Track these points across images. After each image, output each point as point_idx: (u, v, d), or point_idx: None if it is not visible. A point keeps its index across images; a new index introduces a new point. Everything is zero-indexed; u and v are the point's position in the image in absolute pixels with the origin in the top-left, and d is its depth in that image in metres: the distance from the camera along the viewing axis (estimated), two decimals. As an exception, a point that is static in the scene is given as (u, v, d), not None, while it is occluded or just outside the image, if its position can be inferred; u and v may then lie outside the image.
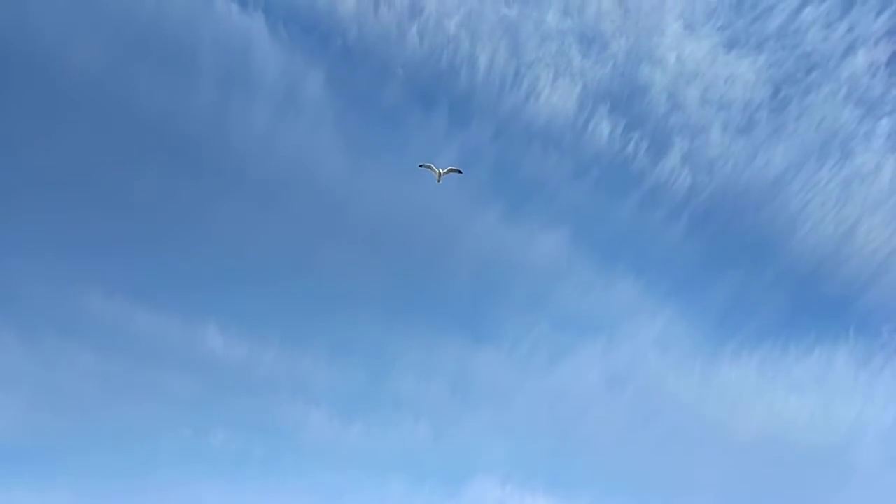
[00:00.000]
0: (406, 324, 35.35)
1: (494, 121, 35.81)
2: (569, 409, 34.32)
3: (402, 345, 35.12)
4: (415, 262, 36.22)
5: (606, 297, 35.93)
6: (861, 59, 33.11)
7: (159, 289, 34.18)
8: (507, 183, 36.40)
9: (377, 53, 34.75)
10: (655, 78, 34.67)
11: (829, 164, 34.00)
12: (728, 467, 32.08)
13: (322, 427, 32.92)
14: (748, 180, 34.74)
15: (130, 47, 33.82)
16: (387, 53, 34.71)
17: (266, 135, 35.07)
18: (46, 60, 32.45)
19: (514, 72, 35.15)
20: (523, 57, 35.00)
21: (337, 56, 35.05)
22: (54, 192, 33.73)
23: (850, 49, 33.11)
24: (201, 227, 35.23)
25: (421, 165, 25.16)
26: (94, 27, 33.20)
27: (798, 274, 34.79)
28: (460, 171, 25.36)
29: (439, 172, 25.23)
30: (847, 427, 32.47)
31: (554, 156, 35.88)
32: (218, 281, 35.06)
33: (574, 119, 35.44)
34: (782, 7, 33.23)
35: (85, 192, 34.25)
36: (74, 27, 32.81)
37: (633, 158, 35.40)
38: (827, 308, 34.61)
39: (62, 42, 32.51)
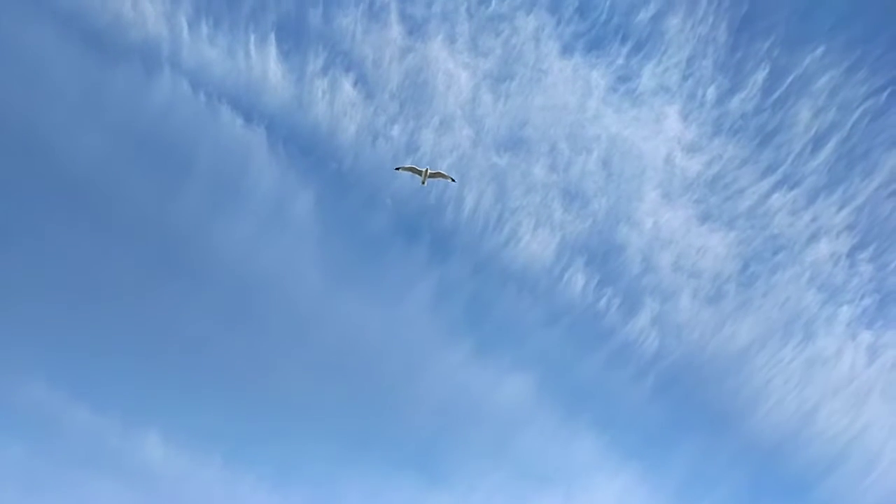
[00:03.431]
0: (359, 457, 33.97)
1: (474, 259, 36.67)
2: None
3: (351, 479, 33.51)
4: (376, 393, 35.44)
5: (568, 450, 35.19)
6: (824, 247, 35.05)
7: (106, 387, 32.85)
8: (479, 321, 36.65)
9: (369, 182, 36.00)
10: (632, 239, 36.18)
11: (792, 344, 34.96)
12: None
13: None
14: (714, 350, 35.41)
15: (129, 142, 34.66)
16: (378, 184, 35.98)
17: (248, 245, 35.33)
18: (42, 147, 33.06)
19: (498, 216, 36.51)
20: (508, 203, 36.51)
21: (330, 180, 36.23)
22: (25, 274, 33.12)
23: (814, 237, 35.14)
24: (164, 328, 34.44)
25: (398, 168, 23.64)
26: (97, 121, 34.18)
27: (758, 452, 34.63)
28: (453, 180, 24.27)
29: (424, 172, 23.83)
30: None
31: (528, 300, 36.47)
32: (168, 387, 33.80)
33: (550, 268, 36.43)
34: (753, 190, 35.52)
35: (55, 278, 33.67)
36: (77, 119, 33.75)
37: (604, 314, 36.10)
38: (786, 491, 34.14)
39: (61, 132, 33.29)
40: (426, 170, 23.90)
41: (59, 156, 33.39)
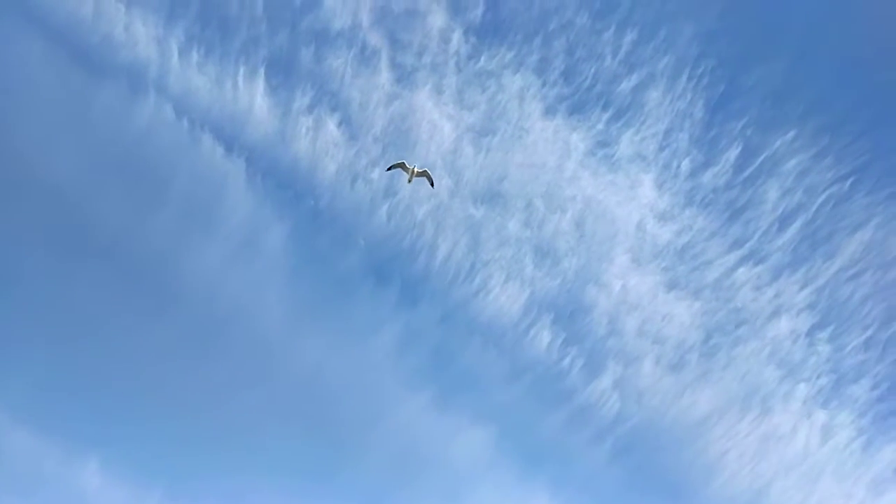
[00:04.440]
0: (310, 499, 33.05)
1: (442, 308, 36.64)
2: None
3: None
4: (332, 434, 34.81)
5: (522, 508, 34.67)
6: (784, 324, 35.73)
7: (50, 410, 31.75)
8: (442, 371, 36.40)
9: (344, 222, 36.06)
10: (599, 301, 36.52)
11: (749, 418, 35.23)
12: None
13: None
14: (673, 418, 35.51)
15: (106, 161, 34.47)
16: (353, 224, 36.05)
17: (216, 275, 34.93)
18: (16, 157, 32.61)
19: (470, 266, 36.68)
20: (480, 255, 36.75)
21: (305, 216, 36.22)
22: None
23: (776, 313, 35.83)
24: (120, 352, 33.58)
25: (390, 168, 23.75)
26: (76, 136, 33.91)
27: (713, 526, 34.47)
28: (432, 185, 24.35)
29: (412, 170, 23.91)
30: None
31: (492, 354, 36.39)
32: (115, 413, 32.83)
33: (517, 322, 36.52)
34: (720, 262, 36.28)
35: (6, 292, 32.78)
36: (56, 133, 33.45)
37: (567, 373, 36.12)
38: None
39: (37, 144, 32.92)
40: (413, 168, 24.15)
41: (32, 168, 33.00)
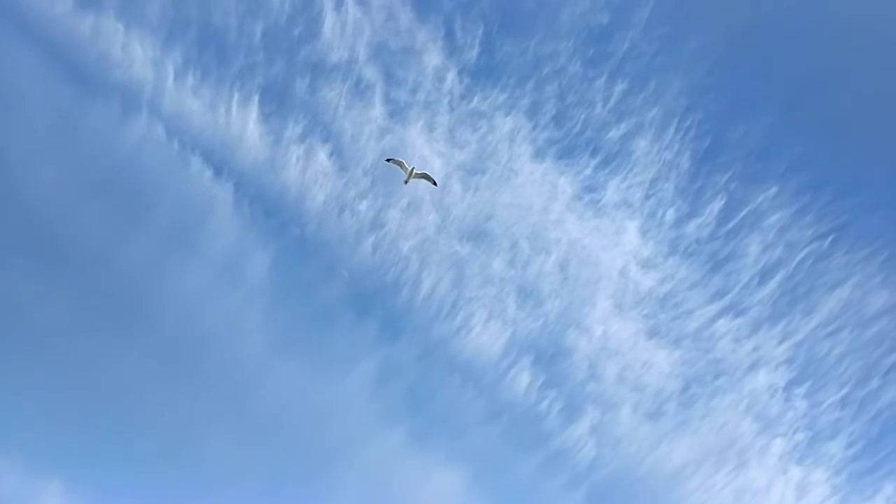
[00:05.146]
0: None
1: (422, 344, 36.37)
2: None
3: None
4: (306, 466, 34.03)
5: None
6: (763, 377, 35.86)
7: (13, 428, 30.85)
8: (419, 408, 35.93)
9: (329, 252, 35.94)
10: (580, 345, 36.49)
11: (725, 470, 35.03)
12: None
13: None
14: (649, 467, 35.20)
15: (93, 177, 34.22)
16: (338, 255, 35.93)
17: (196, 299, 34.50)
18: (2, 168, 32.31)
19: (453, 303, 36.59)
20: (464, 292, 36.70)
21: (290, 244, 36.08)
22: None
23: (754, 366, 35.97)
24: (92, 373, 32.88)
25: (389, 160, 23.15)
26: (64, 151, 33.70)
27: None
28: (435, 184, 23.71)
29: (411, 170, 23.26)
30: None
31: (471, 393, 36.06)
32: (83, 435, 32.01)
33: (497, 363, 36.32)
34: (700, 313, 36.50)
35: None
36: (44, 147, 33.23)
37: (545, 416, 35.83)
38: None
39: (25, 157, 32.67)
40: (412, 168, 23.70)
41: (15, 180, 32.66)
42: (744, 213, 35.82)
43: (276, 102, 35.07)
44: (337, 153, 35.71)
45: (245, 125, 34.87)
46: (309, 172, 35.59)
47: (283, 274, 35.81)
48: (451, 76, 35.63)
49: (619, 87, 35.78)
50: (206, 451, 33.49)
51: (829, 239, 35.14)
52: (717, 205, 35.95)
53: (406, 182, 23.95)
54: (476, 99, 36.08)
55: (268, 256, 35.68)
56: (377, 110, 35.64)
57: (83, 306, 33.63)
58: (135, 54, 33.55)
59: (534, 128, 36.43)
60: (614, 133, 36.36)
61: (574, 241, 36.77)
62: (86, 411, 32.72)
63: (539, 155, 36.66)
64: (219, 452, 33.52)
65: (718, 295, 36.22)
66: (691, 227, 36.32)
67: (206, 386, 34.37)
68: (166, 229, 34.52)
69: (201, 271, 34.67)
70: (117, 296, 33.94)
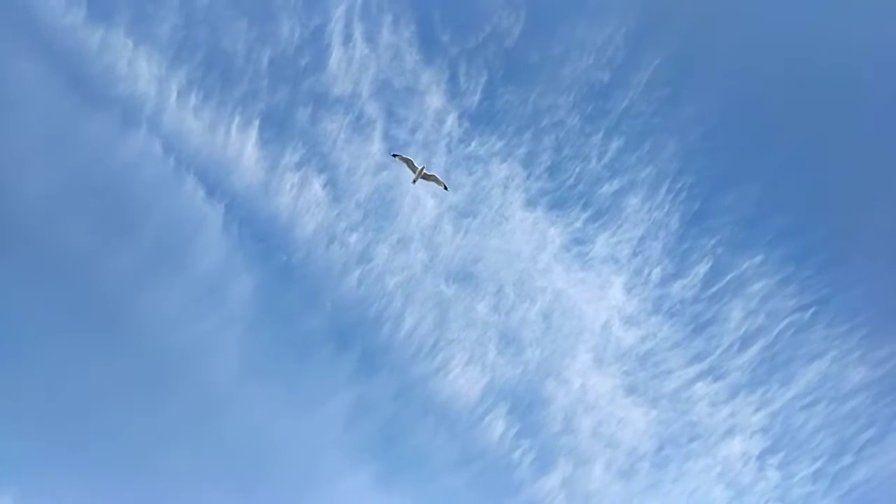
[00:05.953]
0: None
1: (399, 382, 36.05)
2: None
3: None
4: (265, 499, 33.22)
5: None
6: (737, 444, 35.68)
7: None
8: (390, 448, 35.40)
9: (314, 282, 35.83)
10: (558, 396, 36.27)
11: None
12: None
13: None
14: (618, 527, 34.67)
15: (85, 188, 34.13)
16: (323, 285, 35.81)
17: (175, 316, 34.18)
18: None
19: (433, 343, 36.39)
20: (445, 333, 36.56)
21: (275, 271, 35.96)
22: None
23: (730, 432, 35.82)
24: (58, 386, 32.16)
25: (395, 155, 22.40)
26: (59, 160, 33.68)
27: None
28: (446, 188, 23.00)
29: (420, 170, 22.31)
30: None
31: (444, 436, 35.63)
32: (38, 449, 31.13)
33: (473, 408, 35.98)
34: (679, 374, 36.49)
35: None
36: (39, 154, 33.21)
37: (517, 466, 35.38)
38: None
39: (19, 163, 32.61)
40: (422, 168, 22.79)
41: (9, 184, 32.52)
42: (728, 277, 36.19)
43: (275, 129, 35.40)
44: (332, 184, 35.95)
45: (243, 148, 35.12)
46: (302, 200, 35.76)
47: (265, 299, 35.64)
48: (451, 119, 36.17)
49: (615, 144, 36.44)
50: (165, 470, 32.72)
51: (811, 311, 35.48)
52: (702, 268, 36.33)
53: (414, 182, 23.19)
54: (474, 143, 36.58)
55: (252, 281, 35.56)
56: (376, 146, 36.03)
57: (60, 313, 33.23)
58: (140, 70, 33.90)
59: (528, 177, 36.90)
60: (607, 188, 36.89)
61: (559, 291, 36.95)
62: (46, 423, 32.01)
63: (531, 203, 37.07)
64: (177, 473, 32.77)
65: (698, 358, 36.32)
66: (676, 287, 36.62)
67: (173, 404, 33.79)
68: (153, 244, 34.44)
69: (184, 289, 34.48)
70: (96, 306, 33.62)
